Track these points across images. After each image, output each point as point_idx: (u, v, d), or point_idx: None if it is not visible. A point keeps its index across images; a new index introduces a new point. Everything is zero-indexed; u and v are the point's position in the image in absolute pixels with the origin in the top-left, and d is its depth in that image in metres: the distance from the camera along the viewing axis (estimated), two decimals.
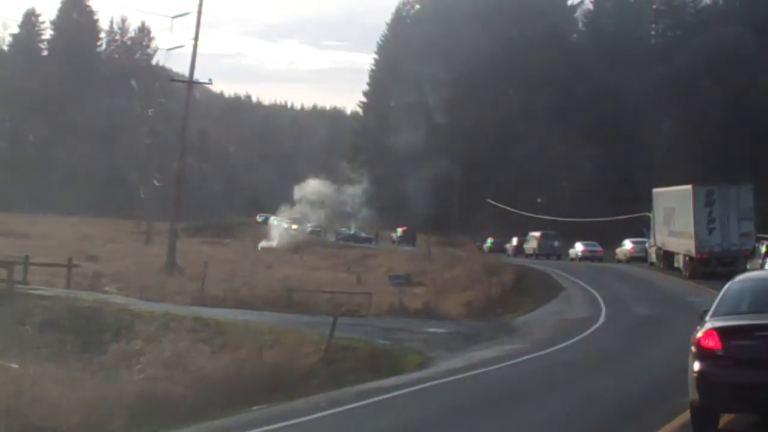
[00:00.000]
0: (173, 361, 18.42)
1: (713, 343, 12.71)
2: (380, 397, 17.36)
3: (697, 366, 12.85)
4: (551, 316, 37.54)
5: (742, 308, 13.42)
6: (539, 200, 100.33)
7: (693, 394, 13.05)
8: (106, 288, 45.62)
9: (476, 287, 44.32)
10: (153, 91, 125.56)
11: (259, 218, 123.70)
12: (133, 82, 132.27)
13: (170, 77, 75.55)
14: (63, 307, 25.10)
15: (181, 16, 56.33)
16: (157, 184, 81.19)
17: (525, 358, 23.48)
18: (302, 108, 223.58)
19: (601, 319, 35.42)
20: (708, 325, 13.01)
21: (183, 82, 61.11)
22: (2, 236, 75.30)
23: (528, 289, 48.21)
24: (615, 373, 20.69)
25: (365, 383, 19.20)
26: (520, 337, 29.85)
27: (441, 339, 28.01)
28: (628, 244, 70.80)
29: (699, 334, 12.98)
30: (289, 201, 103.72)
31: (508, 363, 22.38)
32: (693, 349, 13.05)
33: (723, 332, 12.73)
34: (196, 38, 56.35)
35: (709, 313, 13.51)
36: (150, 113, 79.59)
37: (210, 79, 63.57)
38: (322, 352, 22.43)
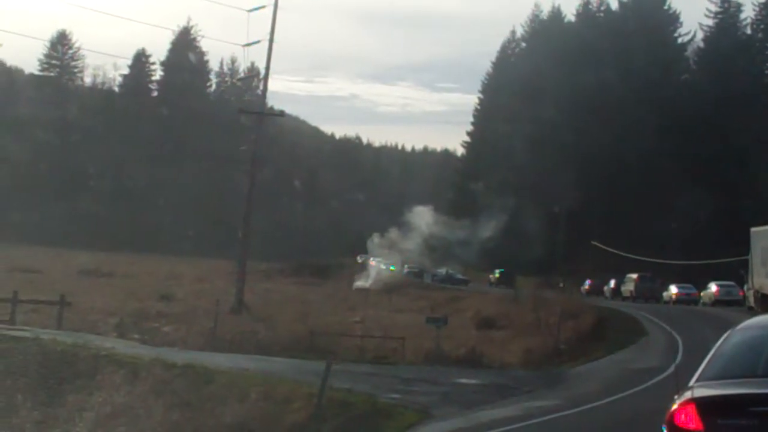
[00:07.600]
0: (108, 420, 15.94)
1: (692, 422, 8.61)
2: None
3: None
4: (617, 364, 34.32)
5: (741, 369, 9.20)
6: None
7: None
8: (165, 328, 43.94)
9: (546, 332, 41.21)
10: (259, 130, 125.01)
11: (359, 258, 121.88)
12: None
13: (240, 108, 74.21)
14: (36, 352, 22.84)
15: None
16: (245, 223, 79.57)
17: (537, 420, 20.10)
18: (413, 149, 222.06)
19: (670, 369, 32.16)
20: (686, 395, 8.85)
21: (252, 113, 59.45)
22: (83, 274, 74.64)
23: (606, 334, 44.94)
24: None
25: None
26: (562, 390, 26.57)
27: (465, 392, 24.81)
28: (713, 287, 67.29)
29: (673, 407, 8.81)
30: (402, 228, 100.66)
31: (510, 427, 19.10)
32: (665, 429, 8.84)
33: (705, 406, 8.64)
34: (267, 68, 54.70)
35: (695, 376, 9.34)
36: (242, 149, 78.21)
37: (281, 111, 61.76)
38: (312, 409, 19.71)
